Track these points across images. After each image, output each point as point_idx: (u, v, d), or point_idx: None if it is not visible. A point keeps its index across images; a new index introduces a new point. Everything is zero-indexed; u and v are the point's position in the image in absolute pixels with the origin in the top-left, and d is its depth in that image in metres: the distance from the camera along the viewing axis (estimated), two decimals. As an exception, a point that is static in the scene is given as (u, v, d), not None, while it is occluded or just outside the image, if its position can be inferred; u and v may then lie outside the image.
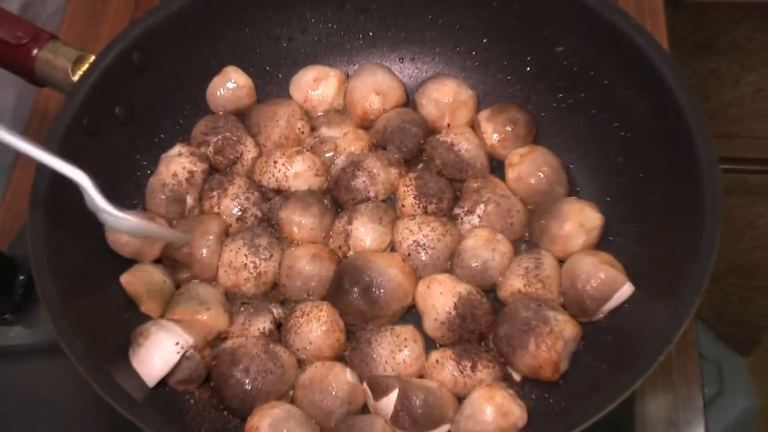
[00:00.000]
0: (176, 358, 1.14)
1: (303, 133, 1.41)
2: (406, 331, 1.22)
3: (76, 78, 1.27)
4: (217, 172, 1.39)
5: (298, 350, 1.21)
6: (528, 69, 1.42)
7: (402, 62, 1.52)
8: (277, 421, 1.11)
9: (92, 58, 1.28)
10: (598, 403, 0.99)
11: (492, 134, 1.39)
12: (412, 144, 1.39)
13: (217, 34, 1.42)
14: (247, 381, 1.15)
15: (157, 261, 1.30)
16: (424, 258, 1.27)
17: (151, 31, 1.32)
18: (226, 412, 1.18)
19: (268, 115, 1.40)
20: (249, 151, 1.39)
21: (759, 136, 2.69)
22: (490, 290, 1.28)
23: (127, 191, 1.35)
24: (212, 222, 1.30)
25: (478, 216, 1.30)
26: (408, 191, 1.33)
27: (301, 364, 1.21)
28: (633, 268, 1.22)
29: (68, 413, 1.31)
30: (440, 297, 1.22)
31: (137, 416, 1.00)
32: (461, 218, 1.32)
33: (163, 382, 1.16)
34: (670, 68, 1.19)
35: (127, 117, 1.34)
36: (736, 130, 2.69)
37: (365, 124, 1.44)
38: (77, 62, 1.28)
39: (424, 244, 1.27)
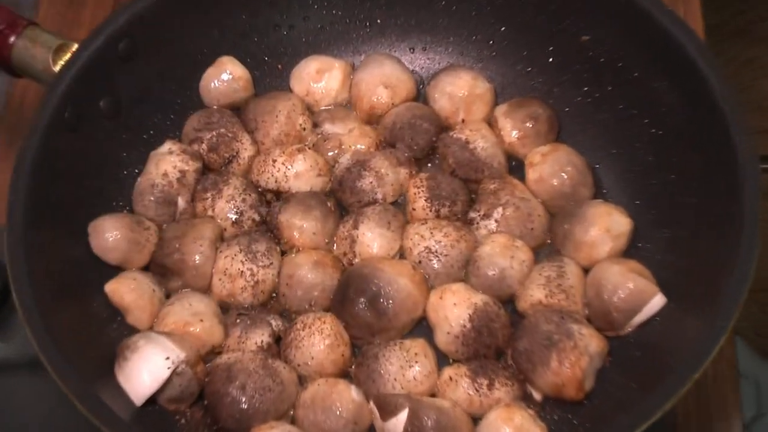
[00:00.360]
0: (166, 373, 1.14)
1: (304, 129, 1.42)
2: (417, 345, 1.22)
3: (57, 68, 1.27)
4: (211, 171, 1.39)
5: (298, 366, 1.21)
6: (550, 60, 1.43)
7: (413, 52, 1.52)
8: (276, 443, 1.11)
9: (75, 46, 1.29)
10: (626, 426, 0.98)
11: (511, 131, 1.39)
12: (423, 141, 1.39)
13: (212, 21, 1.43)
14: (244, 399, 1.15)
15: (146, 268, 1.30)
16: (436, 266, 1.27)
17: (139, 16, 1.32)
18: (220, 434, 1.18)
19: (267, 110, 1.41)
20: (246, 149, 1.39)
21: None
22: (508, 301, 1.28)
23: (112, 192, 1.35)
24: (206, 226, 1.30)
25: (496, 220, 1.30)
26: (419, 193, 1.33)
27: (303, 381, 1.21)
28: (664, 278, 1.22)
29: (49, 433, 1.31)
30: (454, 308, 1.22)
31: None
32: (477, 223, 1.32)
33: (152, 400, 1.16)
34: (705, 57, 1.19)
35: (113, 111, 1.34)
36: (776, 125, 2.68)
37: (372, 120, 1.45)
38: (58, 51, 1.28)
39: (436, 251, 1.27)
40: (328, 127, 1.42)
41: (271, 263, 1.28)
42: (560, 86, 1.42)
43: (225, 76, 1.42)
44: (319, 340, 1.21)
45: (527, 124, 1.38)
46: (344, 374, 1.23)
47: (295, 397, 1.19)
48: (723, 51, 2.57)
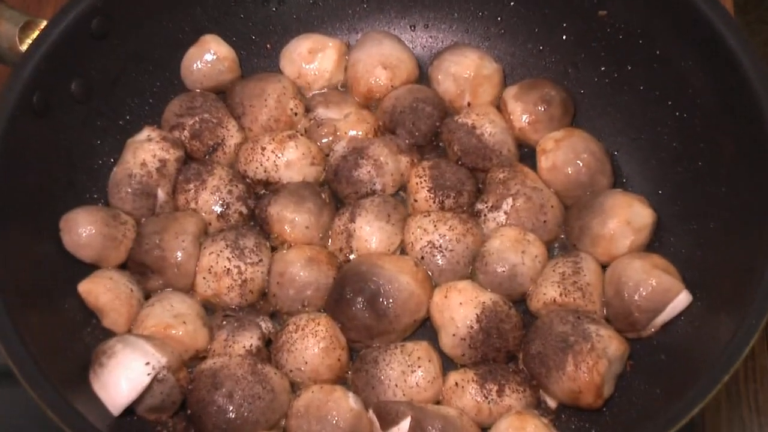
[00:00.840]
0: (146, 380, 1.15)
1: (296, 114, 1.43)
2: (420, 348, 1.23)
3: (24, 47, 1.29)
4: (193, 160, 1.40)
5: (291, 371, 1.22)
6: (564, 37, 1.44)
7: (414, 30, 1.53)
8: (267, 455, 1.12)
9: (43, 23, 1.30)
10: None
11: (521, 115, 1.40)
12: (426, 127, 1.40)
13: (193, -4, 1.44)
14: (231, 408, 1.16)
15: (123, 266, 1.31)
16: (440, 262, 1.29)
17: (114, -9, 1.34)
18: (205, 446, 1.20)
19: (255, 93, 1.42)
20: (232, 136, 1.40)
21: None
22: (519, 300, 1.29)
23: (85, 184, 1.36)
24: (188, 220, 1.31)
25: (505, 212, 1.32)
26: (421, 183, 1.34)
27: (295, 387, 1.23)
28: (690, 274, 1.23)
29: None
30: (460, 308, 1.23)
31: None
32: (485, 215, 1.33)
33: (130, 410, 1.17)
34: (736, 34, 1.20)
35: (86, 95, 1.35)
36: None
37: (370, 104, 1.46)
38: (25, 29, 1.29)
39: (440, 246, 1.29)
40: (321, 112, 1.43)
41: (260, 260, 1.29)
42: (575, 66, 1.44)
43: (208, 57, 1.43)
44: (313, 344, 1.22)
45: (539, 108, 1.39)
46: (341, 380, 1.24)
47: (287, 405, 1.20)
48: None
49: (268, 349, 1.26)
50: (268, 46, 1.51)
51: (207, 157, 1.40)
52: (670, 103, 1.32)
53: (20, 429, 1.32)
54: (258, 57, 1.51)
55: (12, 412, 1.32)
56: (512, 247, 1.27)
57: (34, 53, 1.27)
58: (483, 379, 1.20)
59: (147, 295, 1.30)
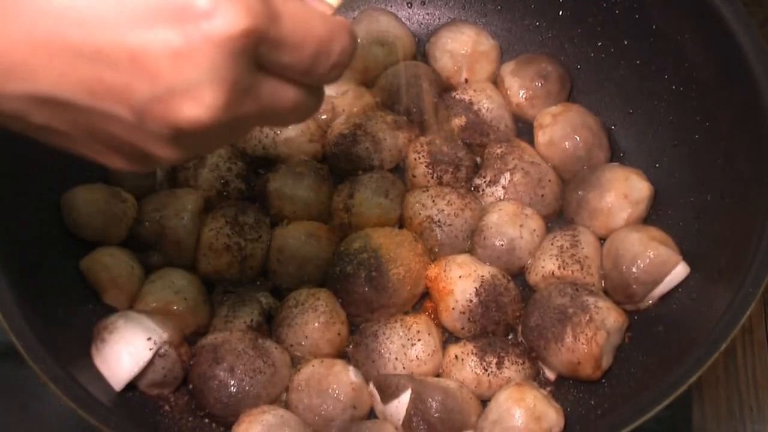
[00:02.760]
0: (148, 355, 1.15)
1: (294, 91, 1.42)
2: (420, 322, 1.23)
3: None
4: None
5: (291, 346, 1.22)
6: (560, 12, 1.44)
7: (410, 7, 1.53)
8: (269, 428, 1.12)
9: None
10: (647, 401, 1.00)
11: (518, 91, 1.40)
12: (423, 103, 1.40)
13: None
14: (233, 382, 1.16)
15: (123, 244, 1.31)
16: (439, 236, 1.29)
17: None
18: (207, 420, 1.20)
19: (253, 71, 1.41)
20: (230, 113, 1.40)
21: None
22: (517, 274, 1.29)
23: (85, 161, 1.35)
24: (188, 197, 1.31)
25: (503, 187, 1.32)
26: (419, 159, 1.34)
27: (296, 362, 1.22)
28: (687, 246, 1.24)
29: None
30: (459, 282, 1.23)
31: (105, 422, 1.01)
32: (483, 189, 1.33)
33: (132, 386, 1.17)
34: (733, 9, 1.20)
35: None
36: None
37: (367, 81, 1.46)
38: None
39: (439, 221, 1.29)
40: (320, 90, 1.43)
41: (260, 236, 1.29)
42: (572, 41, 1.44)
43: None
44: (312, 318, 1.22)
45: (536, 83, 1.39)
46: (341, 354, 1.24)
47: (288, 379, 1.20)
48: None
49: (269, 325, 1.26)
50: (266, 24, 1.50)
51: (206, 134, 1.39)
52: (666, 77, 1.32)
53: (24, 407, 1.32)
54: (256, 35, 1.50)
55: (15, 390, 1.32)
56: (510, 221, 1.27)
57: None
58: (482, 352, 1.20)
59: (148, 272, 1.30)
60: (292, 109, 0.72)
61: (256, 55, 0.65)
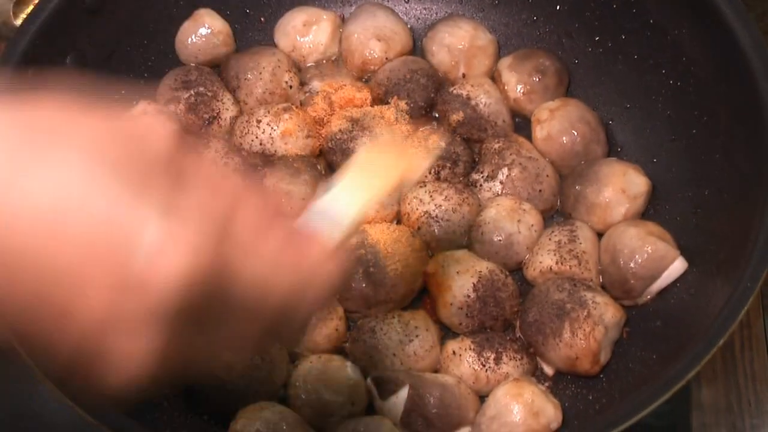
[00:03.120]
0: (145, 352, 1.15)
1: (291, 87, 1.42)
2: (417, 317, 1.23)
3: (18, 22, 1.28)
4: (189, 134, 1.39)
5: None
6: (557, 7, 1.43)
7: (407, 2, 1.52)
8: (267, 425, 1.12)
9: (38, -2, 1.29)
10: (646, 396, 0.99)
11: (516, 86, 1.40)
12: (420, 98, 1.40)
13: (187, -31, 1.43)
14: (230, 379, 1.16)
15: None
16: (437, 232, 1.28)
17: (107, -37, 1.33)
18: (205, 417, 1.19)
19: (250, 67, 1.41)
20: (227, 109, 1.39)
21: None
22: (515, 269, 1.29)
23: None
24: (184, 193, 1.31)
25: (501, 182, 1.31)
26: (417, 154, 1.34)
27: (294, 358, 1.22)
28: (686, 241, 1.23)
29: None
30: (457, 277, 1.23)
31: (102, 420, 1.01)
32: (480, 185, 1.33)
33: (129, 382, 1.17)
34: (730, 3, 1.19)
35: (80, 69, 1.34)
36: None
37: (365, 76, 1.45)
38: (20, 3, 1.29)
39: (436, 216, 1.28)
40: (316, 85, 1.43)
41: (257, 232, 1.29)
42: (569, 36, 1.43)
43: (203, 31, 1.43)
44: (310, 314, 1.21)
45: (534, 78, 1.39)
46: (339, 350, 1.24)
47: (286, 375, 1.20)
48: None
49: (267, 320, 1.25)
50: (263, 19, 1.50)
51: (203, 130, 1.39)
52: (664, 71, 1.32)
53: (21, 405, 1.32)
54: (252, 31, 1.50)
55: (12, 389, 1.32)
56: (508, 217, 1.27)
57: (29, 28, 1.26)
58: (480, 347, 1.20)
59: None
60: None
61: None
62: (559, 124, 1.34)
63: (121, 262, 0.55)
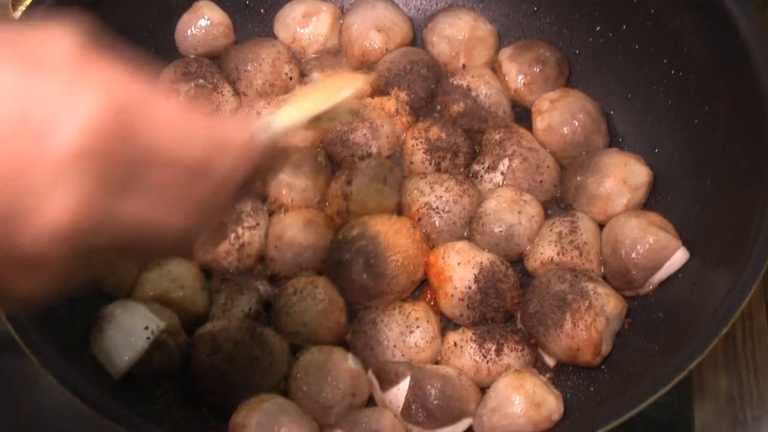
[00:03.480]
0: (145, 345, 1.15)
1: (291, 78, 1.42)
2: (418, 309, 1.22)
3: (17, 14, 1.27)
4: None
5: (290, 334, 1.22)
6: (558, -3, 1.43)
7: (408, -8, 1.52)
8: (268, 417, 1.12)
9: (37, -10, 1.28)
10: (647, 387, 0.99)
11: (516, 76, 1.39)
12: (421, 89, 1.40)
13: (186, -40, 1.43)
14: (231, 371, 1.16)
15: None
16: (437, 223, 1.28)
17: (106, -45, 1.32)
18: (205, 409, 1.19)
19: (249, 58, 1.41)
20: (227, 101, 1.39)
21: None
22: (516, 260, 1.29)
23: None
24: (185, 185, 1.30)
25: (501, 173, 1.31)
26: (417, 145, 1.34)
27: (295, 350, 1.22)
28: (687, 232, 1.23)
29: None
30: (458, 269, 1.23)
31: (103, 412, 1.00)
32: (481, 176, 1.33)
33: (130, 375, 1.17)
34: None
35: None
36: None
37: (365, 67, 1.45)
38: (19, -4, 1.29)
39: (437, 207, 1.28)
40: (316, 76, 1.42)
41: (258, 224, 1.29)
42: (570, 26, 1.43)
43: (203, 22, 1.43)
44: (311, 306, 1.21)
45: (534, 69, 1.39)
46: (340, 342, 1.23)
47: (287, 367, 1.19)
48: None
49: (267, 313, 1.25)
50: (262, 11, 1.50)
51: (202, 122, 1.39)
52: (665, 62, 1.31)
53: (21, 397, 1.32)
54: (252, 22, 1.50)
55: (12, 381, 1.32)
56: (509, 208, 1.27)
57: (28, 19, 1.25)
58: (481, 339, 1.19)
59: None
60: (169, 234, 0.67)
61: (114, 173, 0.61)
62: (560, 114, 1.34)
63: (27, 124, 0.58)
